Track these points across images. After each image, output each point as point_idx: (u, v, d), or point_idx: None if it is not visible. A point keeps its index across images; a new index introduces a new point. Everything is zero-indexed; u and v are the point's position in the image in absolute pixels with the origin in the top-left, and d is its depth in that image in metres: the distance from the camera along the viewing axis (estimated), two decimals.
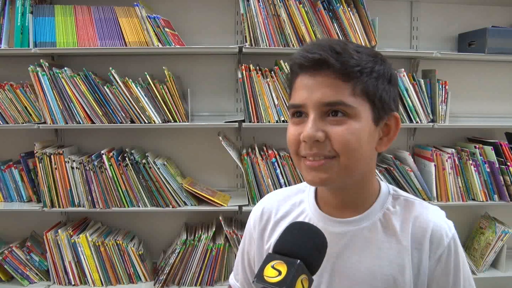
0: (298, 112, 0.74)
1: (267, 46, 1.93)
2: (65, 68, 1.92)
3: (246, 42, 1.93)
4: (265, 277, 0.59)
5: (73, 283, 2.01)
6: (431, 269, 0.77)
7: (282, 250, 0.64)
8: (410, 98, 1.99)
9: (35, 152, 1.93)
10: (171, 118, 1.95)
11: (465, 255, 2.12)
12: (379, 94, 0.73)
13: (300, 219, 0.85)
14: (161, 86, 1.93)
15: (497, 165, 2.04)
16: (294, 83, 0.76)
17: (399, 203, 0.82)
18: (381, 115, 0.74)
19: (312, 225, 0.70)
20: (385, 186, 0.84)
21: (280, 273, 0.59)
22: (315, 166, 0.72)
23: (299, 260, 0.60)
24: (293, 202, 0.89)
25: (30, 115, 1.97)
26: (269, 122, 1.96)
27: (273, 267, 0.60)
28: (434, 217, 0.80)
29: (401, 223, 0.79)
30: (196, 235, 2.04)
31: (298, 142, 0.73)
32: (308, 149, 0.71)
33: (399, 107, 1.98)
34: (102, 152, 1.94)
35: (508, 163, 2.03)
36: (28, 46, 1.89)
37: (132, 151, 2.00)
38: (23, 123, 1.97)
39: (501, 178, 2.04)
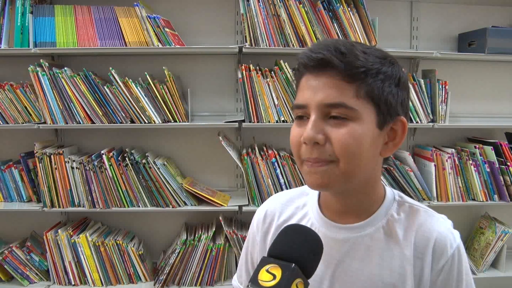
0: (301, 115, 0.72)
1: (267, 46, 1.93)
2: (65, 68, 1.92)
3: (246, 42, 1.93)
4: (260, 281, 0.58)
5: (73, 283, 2.02)
6: (433, 280, 0.75)
7: (277, 253, 0.63)
8: (410, 98, 1.99)
9: (35, 152, 1.93)
10: (171, 118, 1.95)
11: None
12: (384, 97, 0.70)
13: (302, 223, 0.83)
14: (161, 86, 1.93)
15: (497, 165, 2.04)
16: (299, 83, 0.74)
17: (404, 210, 0.79)
18: (386, 119, 0.71)
19: (307, 228, 0.70)
20: (391, 192, 0.82)
21: (274, 277, 0.58)
22: (315, 170, 0.70)
23: (293, 264, 0.60)
24: (296, 205, 0.88)
25: (30, 115, 1.97)
26: (269, 122, 1.96)
27: (267, 271, 0.59)
28: (439, 227, 0.77)
29: (404, 231, 0.77)
30: (196, 235, 2.04)
31: (300, 144, 0.71)
32: (309, 154, 0.70)
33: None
34: (102, 152, 1.94)
35: (508, 163, 2.03)
36: (28, 46, 1.89)
37: (132, 151, 2.01)
38: (23, 123, 1.97)
39: (501, 178, 2.04)
